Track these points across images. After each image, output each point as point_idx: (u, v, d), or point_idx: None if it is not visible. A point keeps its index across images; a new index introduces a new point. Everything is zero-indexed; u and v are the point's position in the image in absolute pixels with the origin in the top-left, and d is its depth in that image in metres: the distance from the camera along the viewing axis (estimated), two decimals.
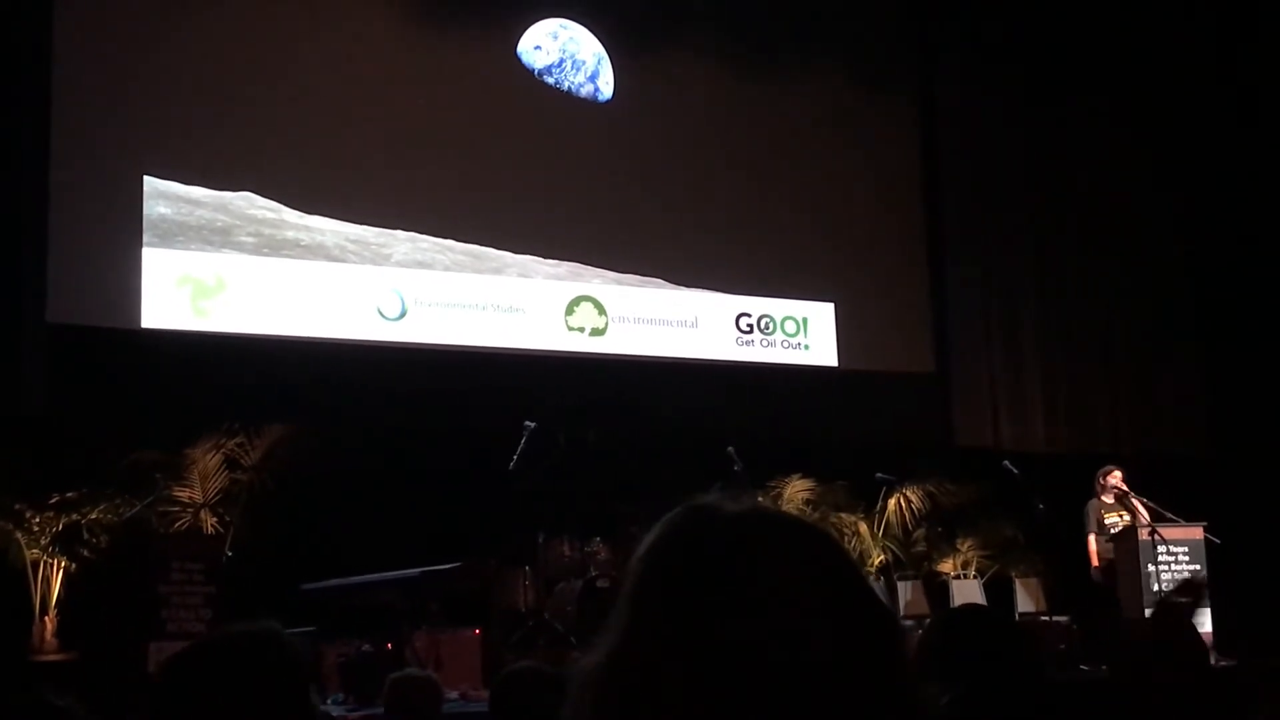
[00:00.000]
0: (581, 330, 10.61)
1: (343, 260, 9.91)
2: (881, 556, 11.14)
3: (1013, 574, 11.10)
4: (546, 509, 9.01)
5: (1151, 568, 9.66)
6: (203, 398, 9.26)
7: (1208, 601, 9.69)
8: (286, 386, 9.47)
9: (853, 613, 1.07)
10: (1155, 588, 9.60)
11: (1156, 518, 9.83)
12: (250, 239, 9.65)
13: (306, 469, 9.18)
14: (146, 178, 9.34)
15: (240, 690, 1.85)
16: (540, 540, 8.98)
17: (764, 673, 1.02)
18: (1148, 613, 9.39)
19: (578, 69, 11.00)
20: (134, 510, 8.61)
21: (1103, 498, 10.26)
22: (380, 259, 10.04)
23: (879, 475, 10.90)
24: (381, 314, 9.93)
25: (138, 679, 6.95)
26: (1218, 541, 9.93)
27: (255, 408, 9.45)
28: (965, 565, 11.27)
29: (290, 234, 9.78)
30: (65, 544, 8.60)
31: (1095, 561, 10.19)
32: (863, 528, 11.10)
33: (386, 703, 4.77)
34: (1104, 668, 8.40)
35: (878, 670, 1.05)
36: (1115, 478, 10.24)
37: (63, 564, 8.58)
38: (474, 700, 6.78)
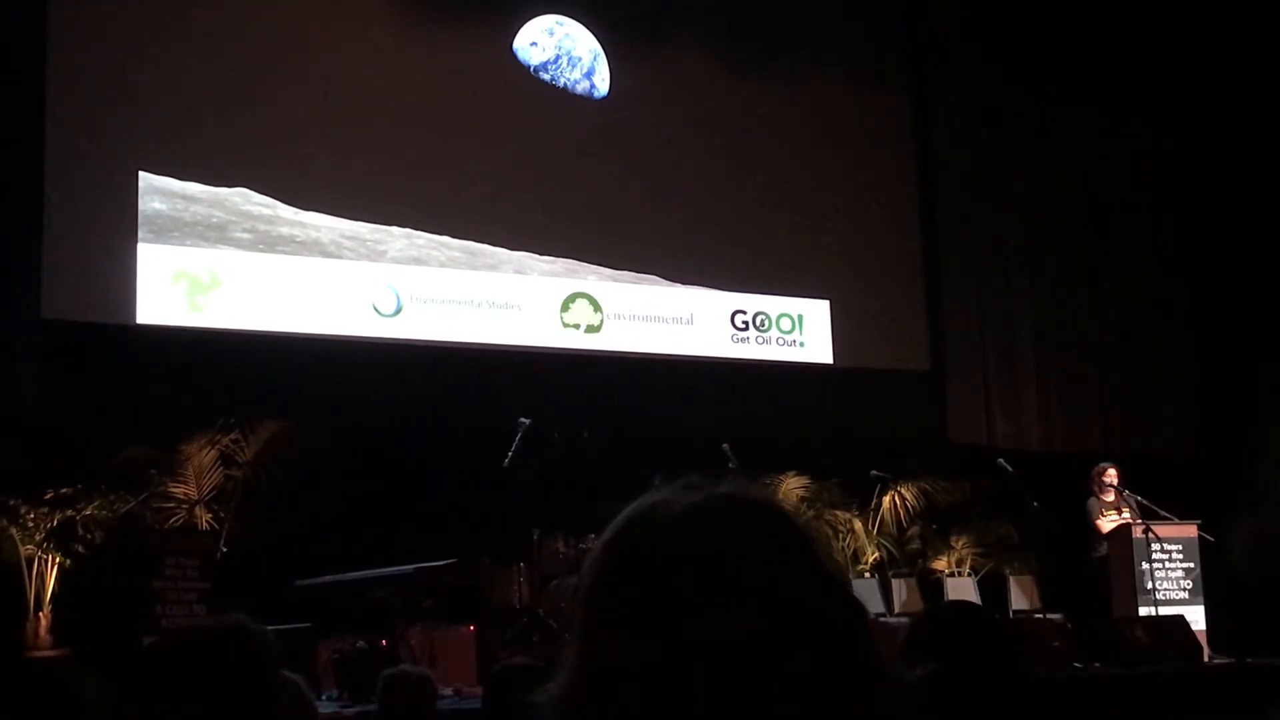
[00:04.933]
0: (577, 327, 10.60)
1: (338, 256, 9.90)
2: (876, 554, 11.16)
3: (1007, 572, 11.11)
4: (541, 506, 9.00)
5: (1146, 566, 9.68)
6: (197, 394, 9.25)
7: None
8: (281, 383, 9.47)
9: (811, 598, 1.04)
10: (1149, 586, 9.62)
11: (1150, 515, 9.82)
12: (245, 235, 9.64)
13: (301, 465, 9.19)
14: (141, 173, 9.32)
15: (203, 682, 1.86)
16: (535, 537, 8.98)
17: (723, 668, 1.00)
18: (1143, 612, 9.42)
19: (574, 65, 10.99)
20: (128, 506, 8.61)
21: (1101, 496, 10.24)
22: (375, 255, 10.03)
23: (874, 473, 10.91)
24: (377, 310, 9.92)
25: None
26: (1211, 540, 9.94)
27: (250, 404, 9.46)
28: (959, 563, 11.28)
29: (285, 230, 9.77)
30: (60, 540, 8.61)
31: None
32: (857, 525, 11.12)
33: (380, 699, 4.77)
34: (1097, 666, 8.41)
35: (840, 656, 1.03)
36: (1111, 475, 10.23)
37: (57, 560, 8.58)
38: (468, 697, 6.78)
